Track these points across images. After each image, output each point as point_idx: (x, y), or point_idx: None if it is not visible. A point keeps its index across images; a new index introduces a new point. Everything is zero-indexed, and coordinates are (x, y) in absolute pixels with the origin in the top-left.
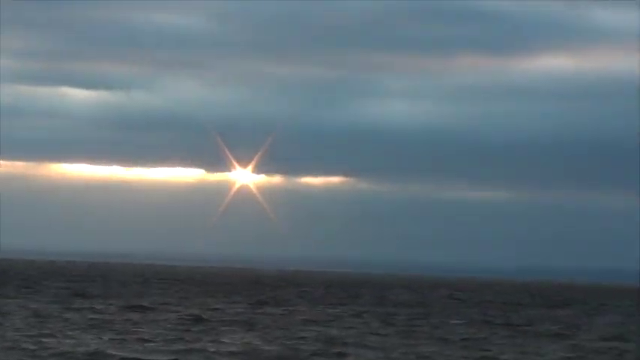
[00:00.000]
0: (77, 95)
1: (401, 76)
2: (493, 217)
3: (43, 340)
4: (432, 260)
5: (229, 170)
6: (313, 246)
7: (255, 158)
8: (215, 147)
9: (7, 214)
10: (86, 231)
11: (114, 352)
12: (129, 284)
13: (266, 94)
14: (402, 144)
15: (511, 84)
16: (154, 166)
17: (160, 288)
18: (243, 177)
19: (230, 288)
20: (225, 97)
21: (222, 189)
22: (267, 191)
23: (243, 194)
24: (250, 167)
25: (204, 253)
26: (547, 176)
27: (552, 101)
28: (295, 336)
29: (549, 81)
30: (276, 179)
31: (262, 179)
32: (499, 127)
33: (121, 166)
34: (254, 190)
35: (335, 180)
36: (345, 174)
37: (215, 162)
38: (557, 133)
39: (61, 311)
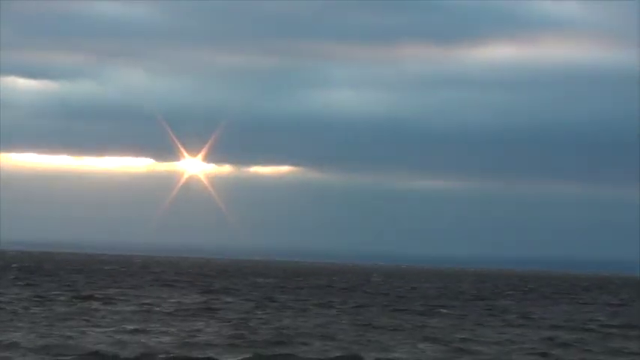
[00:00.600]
0: (23, 85)
1: (348, 65)
2: (436, 206)
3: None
4: (380, 249)
5: (178, 159)
6: (262, 235)
7: (205, 147)
8: (164, 136)
9: None
10: (34, 221)
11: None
12: (78, 274)
13: (214, 84)
14: (349, 133)
15: (456, 73)
16: (103, 156)
17: (109, 277)
18: (193, 166)
19: (179, 278)
20: (172, 87)
21: (171, 178)
22: (216, 180)
23: (193, 183)
24: (200, 156)
25: (154, 242)
26: (494, 164)
27: (497, 90)
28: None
29: (494, 70)
30: (226, 168)
31: (212, 168)
32: (444, 116)
33: (70, 155)
34: (203, 179)
35: (284, 169)
36: (293, 163)
37: (164, 151)
38: (502, 122)
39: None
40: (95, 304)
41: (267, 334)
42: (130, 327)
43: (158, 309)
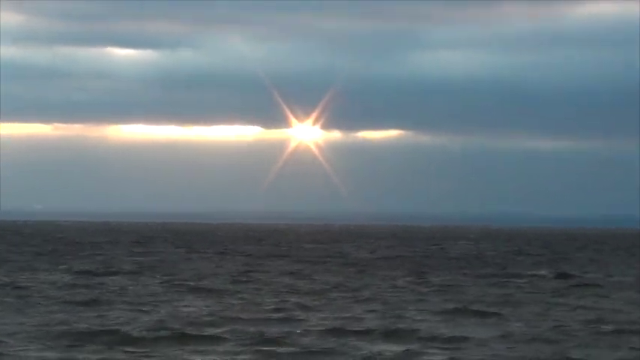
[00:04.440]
0: (123, 55)
1: (449, 26)
2: (555, 167)
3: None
4: (493, 211)
5: (287, 127)
6: (373, 200)
7: (313, 114)
8: (272, 103)
9: (65, 177)
10: (146, 192)
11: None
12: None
13: (318, 49)
14: (455, 95)
15: (558, 31)
16: (211, 125)
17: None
18: (302, 133)
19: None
20: (276, 53)
21: (280, 145)
22: (325, 146)
23: (302, 150)
24: (308, 123)
25: (264, 210)
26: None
27: (603, 48)
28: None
29: (598, 28)
30: (335, 134)
31: (321, 135)
32: (552, 76)
33: (178, 125)
34: (312, 145)
35: (393, 133)
36: (402, 127)
37: (272, 119)
38: (608, 80)
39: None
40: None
41: None
42: None
43: None
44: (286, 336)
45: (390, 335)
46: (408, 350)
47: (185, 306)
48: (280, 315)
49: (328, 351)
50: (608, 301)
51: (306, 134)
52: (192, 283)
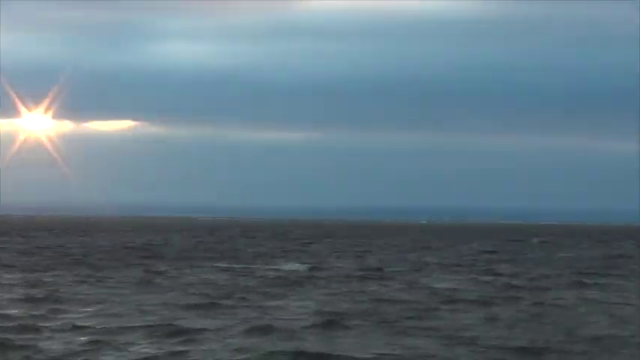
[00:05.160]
0: None
1: (183, 17)
2: (274, 158)
3: None
4: (231, 203)
5: (16, 116)
6: (104, 191)
7: (42, 104)
8: (0, 93)
9: None
10: None
11: None
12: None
13: (49, 39)
14: (187, 86)
15: (291, 23)
16: None
17: None
18: (32, 123)
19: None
20: (7, 42)
21: (8, 136)
22: (56, 137)
23: (32, 140)
24: (39, 112)
25: None
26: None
27: (330, 40)
28: None
29: (327, 20)
30: (66, 124)
31: (52, 125)
32: (283, 67)
33: None
34: (42, 136)
35: (126, 124)
36: (134, 118)
37: (0, 108)
38: (342, 72)
39: None
40: None
41: None
42: None
43: None
44: None
45: None
46: None
47: None
48: None
49: None
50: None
51: (36, 124)
52: None
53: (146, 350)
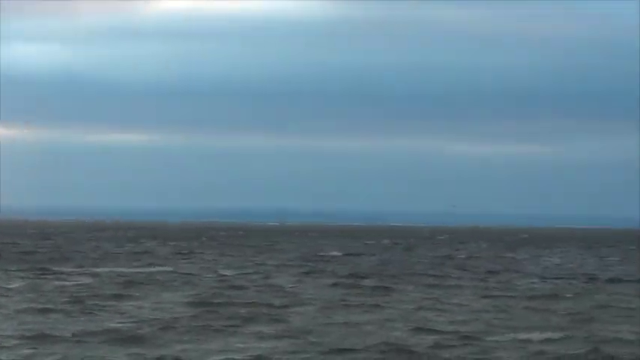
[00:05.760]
0: None
1: (22, 18)
2: (140, 162)
3: None
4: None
5: None
6: None
7: None
8: None
9: None
10: None
11: None
12: None
13: None
14: (27, 88)
15: (134, 25)
16: None
17: None
18: None
19: None
20: None
21: None
22: None
23: None
24: None
25: None
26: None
27: (174, 41)
28: None
29: (170, 21)
30: None
31: None
32: (127, 68)
33: None
34: None
35: None
36: None
37: None
38: (184, 73)
39: None
40: None
41: None
42: None
43: None
44: None
45: None
46: None
47: None
48: None
49: None
50: None
51: None
52: None
53: None
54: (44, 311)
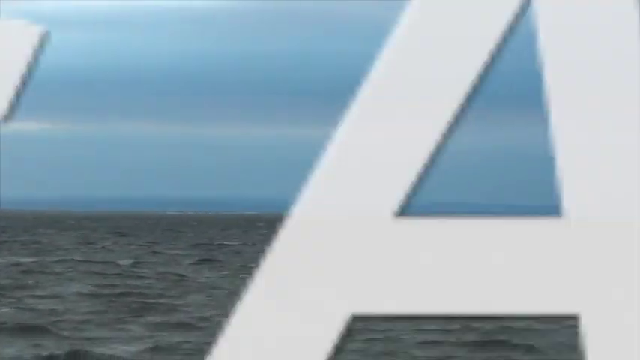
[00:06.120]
0: None
1: None
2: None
3: None
4: None
5: None
6: None
7: None
8: None
9: None
10: None
11: None
12: None
13: None
14: None
15: (26, 9)
16: None
17: None
18: None
19: None
20: None
21: None
22: None
23: None
24: None
25: None
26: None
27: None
28: None
29: (65, 8)
30: None
31: None
32: None
33: None
34: None
35: None
36: None
37: None
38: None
39: None
40: None
41: None
42: None
43: None
44: None
45: None
46: None
47: None
48: None
49: None
50: None
51: None
52: None
53: None
54: None
